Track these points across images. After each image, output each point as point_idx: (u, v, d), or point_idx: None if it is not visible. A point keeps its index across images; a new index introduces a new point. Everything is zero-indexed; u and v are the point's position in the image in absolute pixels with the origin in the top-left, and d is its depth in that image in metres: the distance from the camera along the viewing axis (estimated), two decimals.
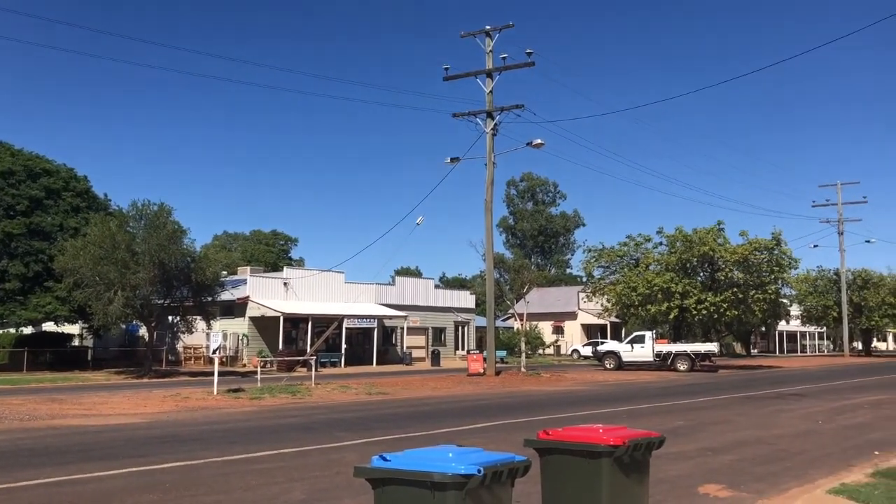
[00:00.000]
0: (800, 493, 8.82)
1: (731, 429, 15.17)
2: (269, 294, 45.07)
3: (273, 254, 77.24)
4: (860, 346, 77.99)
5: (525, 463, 4.69)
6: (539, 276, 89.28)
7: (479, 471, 4.26)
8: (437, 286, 59.96)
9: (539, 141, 32.51)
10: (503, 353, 49.04)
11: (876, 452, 11.95)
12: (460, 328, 57.60)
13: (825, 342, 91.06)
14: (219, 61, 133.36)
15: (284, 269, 50.96)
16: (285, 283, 46.35)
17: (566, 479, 5.53)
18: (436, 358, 46.76)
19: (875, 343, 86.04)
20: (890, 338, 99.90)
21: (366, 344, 47.60)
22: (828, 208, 70.26)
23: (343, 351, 44.61)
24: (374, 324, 47.01)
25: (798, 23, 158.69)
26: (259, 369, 28.70)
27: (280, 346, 41.57)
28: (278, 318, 42.27)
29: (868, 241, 75.48)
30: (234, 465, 10.74)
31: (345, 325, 44.65)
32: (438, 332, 55.39)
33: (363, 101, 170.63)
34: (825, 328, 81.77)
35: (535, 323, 62.88)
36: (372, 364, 44.70)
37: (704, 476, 9.94)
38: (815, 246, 76.08)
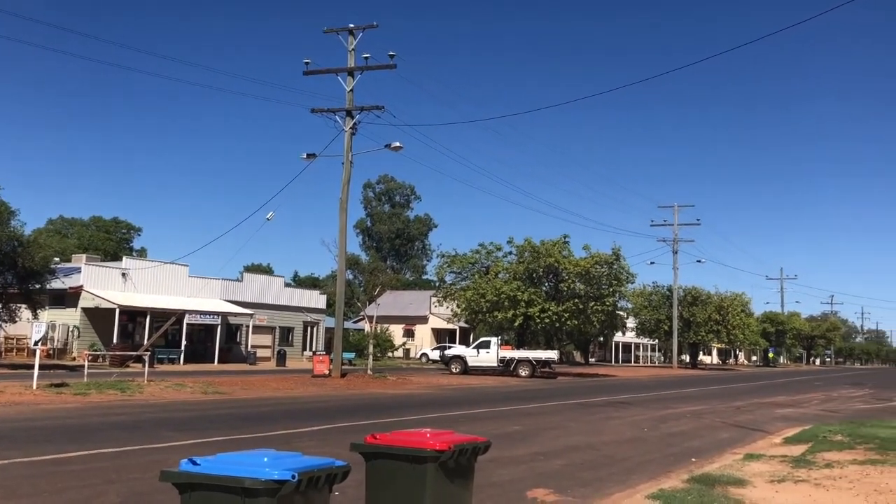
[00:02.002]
0: (622, 497, 9.14)
1: (563, 434, 15.64)
2: (105, 284, 42.48)
3: (113, 242, 73.01)
4: (688, 359, 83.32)
5: (344, 468, 4.52)
6: (393, 279, 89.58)
7: (293, 476, 4.06)
8: (287, 285, 58.72)
9: (398, 144, 32.51)
10: (351, 355, 48.64)
11: (693, 459, 12.65)
12: (309, 328, 56.68)
13: (657, 354, 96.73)
14: (65, 34, 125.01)
15: (124, 258, 48.21)
16: (124, 274, 43.85)
17: (390, 485, 5.41)
18: (282, 358, 45.72)
19: (701, 356, 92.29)
20: (714, 352, 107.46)
21: (208, 341, 45.87)
22: (665, 228, 74.76)
23: (183, 347, 42.74)
24: (218, 320, 45.40)
25: (645, 50, 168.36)
26: (86, 363, 26.95)
27: (114, 340, 39.28)
28: (114, 310, 39.93)
29: (699, 261, 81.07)
30: (45, 465, 9.91)
31: (186, 320, 42.81)
32: (286, 332, 54.24)
33: (219, 88, 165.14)
34: (657, 340, 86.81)
35: (386, 326, 62.90)
36: (213, 362, 43.11)
37: (534, 480, 10.13)
38: (651, 263, 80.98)
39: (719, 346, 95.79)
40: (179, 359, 42.05)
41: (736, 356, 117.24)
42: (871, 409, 26.58)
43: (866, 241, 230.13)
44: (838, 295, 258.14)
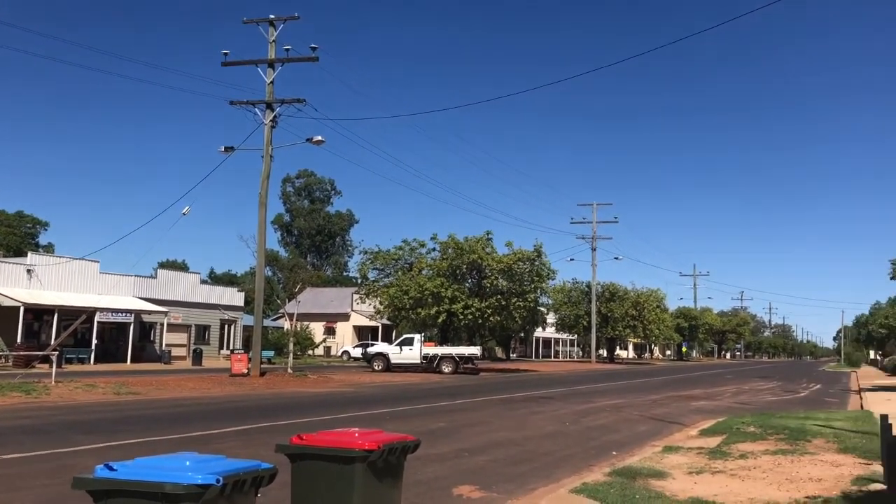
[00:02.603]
0: (545, 492, 9.20)
1: (487, 430, 15.70)
2: (8, 281, 40.47)
3: (17, 237, 69.69)
4: (605, 354, 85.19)
5: (271, 471, 4.36)
6: (314, 275, 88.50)
7: (217, 480, 3.87)
8: (203, 281, 57.20)
9: (319, 138, 32.05)
10: (270, 353, 47.80)
11: (614, 453, 12.87)
12: (226, 326, 55.41)
13: (576, 349, 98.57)
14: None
15: (29, 254, 46.03)
16: (29, 270, 41.86)
17: (318, 486, 5.26)
18: (198, 357, 44.54)
19: (618, 351, 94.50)
20: (630, 346, 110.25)
21: (120, 340, 44.33)
22: (584, 225, 76.20)
23: (93, 347, 41.17)
24: (131, 318, 43.92)
25: (571, 52, 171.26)
26: None
27: (18, 340, 37.48)
28: (18, 308, 38.08)
29: (616, 258, 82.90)
30: None
31: (97, 318, 41.24)
32: (202, 330, 52.87)
33: (133, 78, 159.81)
34: (576, 336, 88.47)
35: (306, 323, 62.08)
36: (126, 362, 41.70)
37: (460, 477, 10.10)
38: (571, 259, 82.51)
39: (635, 340, 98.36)
40: (89, 358, 40.48)
41: (651, 350, 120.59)
42: (780, 401, 27.69)
43: (773, 239, 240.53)
44: (748, 291, 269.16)
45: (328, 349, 69.39)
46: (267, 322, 55.47)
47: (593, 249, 75.49)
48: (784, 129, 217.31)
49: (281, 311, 59.13)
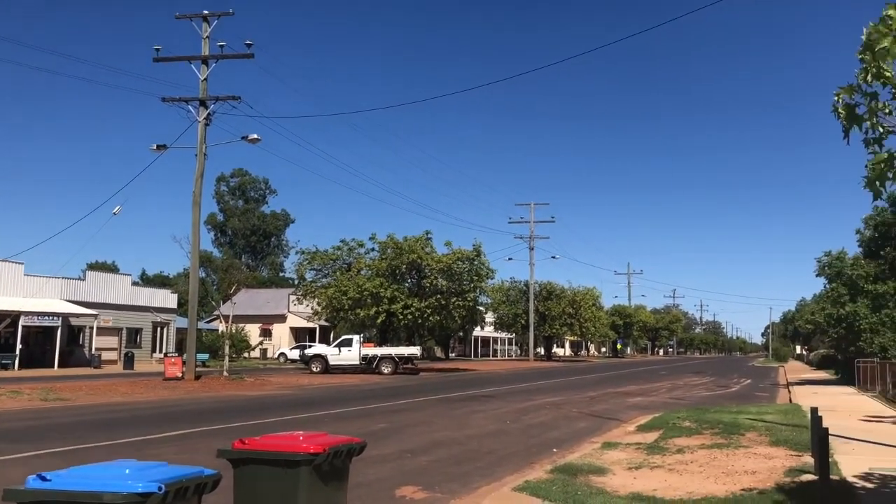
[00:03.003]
0: (488, 491, 9.22)
1: (429, 430, 15.67)
2: None
3: None
4: (543, 352, 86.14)
5: (214, 477, 4.24)
6: (249, 276, 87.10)
7: (159, 488, 3.74)
8: (134, 283, 55.66)
9: (255, 136, 31.52)
10: (205, 356, 46.80)
11: (555, 450, 12.99)
12: (159, 329, 54.06)
13: (514, 347, 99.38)
14: None
15: None
16: None
17: (261, 491, 5.14)
18: (129, 361, 43.32)
19: (555, 349, 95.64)
20: (567, 344, 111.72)
21: (47, 344, 42.80)
22: (522, 225, 76.85)
23: (18, 352, 39.65)
24: (58, 322, 42.48)
25: (515, 48, 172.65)
26: None
27: None
28: None
29: (554, 257, 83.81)
30: None
31: (21, 322, 39.75)
32: (134, 333, 51.45)
33: (63, 73, 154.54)
34: (514, 334, 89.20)
35: (242, 325, 61.02)
36: (53, 367, 40.26)
37: (402, 478, 10.05)
38: (509, 259, 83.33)
39: (572, 338, 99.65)
40: (14, 364, 38.97)
41: (587, 348, 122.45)
42: (713, 396, 28.43)
43: (704, 238, 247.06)
44: (680, 289, 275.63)
45: (264, 351, 68.36)
46: (201, 324, 54.35)
47: (531, 249, 76.25)
48: (714, 131, 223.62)
49: (215, 312, 57.93)
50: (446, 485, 9.70)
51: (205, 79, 31.41)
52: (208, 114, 31.29)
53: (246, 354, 59.37)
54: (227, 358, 36.64)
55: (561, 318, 79.20)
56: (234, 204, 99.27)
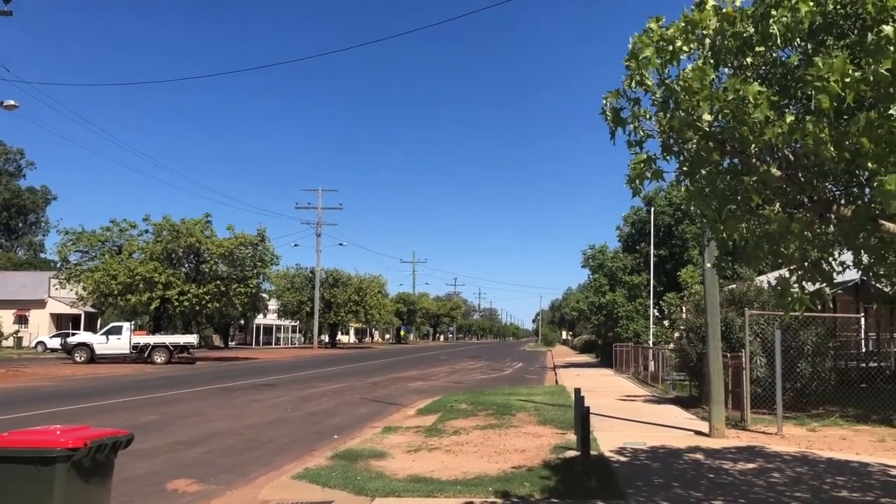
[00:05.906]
0: (266, 480, 9.04)
1: (204, 421, 15.06)
2: None
3: None
4: (327, 339, 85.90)
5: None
6: (2, 257, 79.03)
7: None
8: None
9: (12, 102, 28.55)
10: None
11: (335, 436, 12.99)
12: None
13: (298, 335, 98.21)
14: None
15: None
16: None
17: (11, 492, 4.65)
18: None
19: (340, 336, 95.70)
20: (352, 331, 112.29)
21: None
22: (309, 211, 76.01)
23: None
24: None
25: (304, 31, 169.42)
26: None
27: None
28: None
29: (341, 244, 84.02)
30: None
31: None
32: None
33: None
34: (299, 322, 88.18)
35: None
36: None
37: (175, 471, 9.60)
38: (295, 245, 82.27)
39: (357, 325, 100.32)
40: None
41: (372, 335, 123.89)
42: (487, 379, 29.85)
43: (483, 227, 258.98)
44: (461, 277, 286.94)
45: (20, 340, 62.20)
46: None
47: (318, 235, 75.65)
48: (496, 127, 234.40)
49: None
50: (223, 476, 9.38)
51: None
52: None
53: None
54: None
55: (347, 306, 79.46)
56: None
